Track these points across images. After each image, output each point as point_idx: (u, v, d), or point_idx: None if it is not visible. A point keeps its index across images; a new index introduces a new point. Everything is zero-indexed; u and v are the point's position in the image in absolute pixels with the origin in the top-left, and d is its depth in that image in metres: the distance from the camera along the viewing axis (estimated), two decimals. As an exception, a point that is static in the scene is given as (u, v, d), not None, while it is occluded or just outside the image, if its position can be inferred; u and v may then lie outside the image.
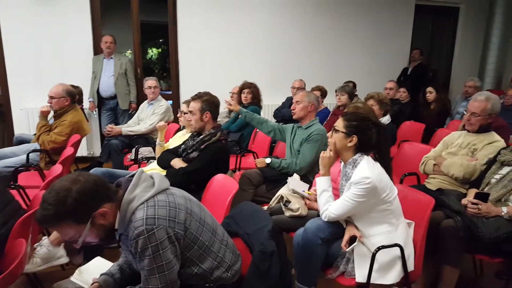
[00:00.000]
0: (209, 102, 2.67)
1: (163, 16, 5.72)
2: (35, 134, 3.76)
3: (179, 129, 3.93)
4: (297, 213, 2.31)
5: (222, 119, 4.64)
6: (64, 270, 2.49)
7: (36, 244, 2.28)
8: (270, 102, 5.67)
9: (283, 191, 2.47)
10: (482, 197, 2.20)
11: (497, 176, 2.33)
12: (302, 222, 2.12)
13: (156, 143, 3.55)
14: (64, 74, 4.82)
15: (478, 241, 2.05)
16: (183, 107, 3.57)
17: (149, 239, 1.33)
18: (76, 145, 3.39)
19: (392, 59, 6.67)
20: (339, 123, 1.99)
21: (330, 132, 2.03)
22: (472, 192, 2.31)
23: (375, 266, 1.84)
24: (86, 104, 5.02)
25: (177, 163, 2.70)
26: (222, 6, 5.60)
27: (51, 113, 3.70)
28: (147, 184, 1.44)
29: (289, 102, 5.00)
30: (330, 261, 1.97)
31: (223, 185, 2.25)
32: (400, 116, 4.86)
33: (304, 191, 2.43)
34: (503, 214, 2.13)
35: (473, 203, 2.18)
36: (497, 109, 2.64)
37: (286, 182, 2.56)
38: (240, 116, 3.82)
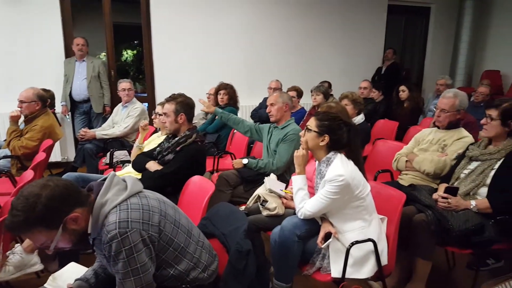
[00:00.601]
0: (184, 104, 2.65)
1: (137, 17, 5.63)
2: (5, 140, 3.65)
3: (155, 131, 3.89)
4: (274, 212, 2.33)
5: (199, 120, 4.62)
6: (39, 278, 2.43)
7: (8, 252, 2.23)
8: (247, 103, 5.69)
9: (260, 190, 2.48)
10: (452, 191, 2.27)
11: (466, 171, 2.41)
12: (279, 221, 2.13)
13: (135, 145, 3.51)
14: (35, 77, 4.71)
15: (449, 234, 2.11)
16: (158, 109, 3.53)
17: (122, 242, 1.32)
18: (49, 150, 3.31)
19: (366, 59, 6.78)
20: (312, 123, 2.04)
21: (303, 131, 2.07)
22: (442, 186, 2.39)
23: (349, 261, 1.88)
24: (58, 108, 4.90)
25: (153, 165, 2.67)
26: (197, 6, 5.56)
27: (22, 118, 3.60)
28: (120, 188, 1.43)
29: (266, 102, 5.02)
30: (306, 258, 2.00)
31: (200, 186, 2.25)
32: (374, 114, 4.94)
33: (281, 190, 2.46)
34: (471, 207, 2.21)
35: (443, 197, 2.26)
36: (464, 105, 2.75)
37: (263, 182, 2.58)
38: (216, 117, 3.81)
